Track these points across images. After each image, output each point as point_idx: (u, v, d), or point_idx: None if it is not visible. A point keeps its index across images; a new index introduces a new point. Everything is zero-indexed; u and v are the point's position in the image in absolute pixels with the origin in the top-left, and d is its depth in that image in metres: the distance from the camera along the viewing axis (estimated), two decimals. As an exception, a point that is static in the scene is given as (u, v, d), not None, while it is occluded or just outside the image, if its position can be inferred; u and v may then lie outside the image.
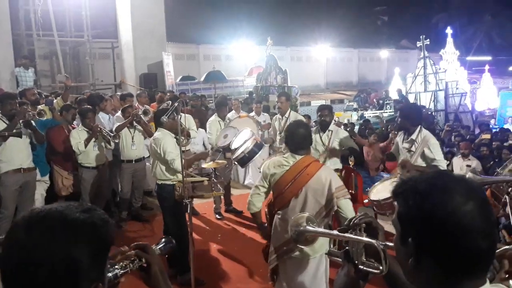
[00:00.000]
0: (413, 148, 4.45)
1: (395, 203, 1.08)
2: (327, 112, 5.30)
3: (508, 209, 3.14)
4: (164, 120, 4.15)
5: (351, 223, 1.35)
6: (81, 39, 14.69)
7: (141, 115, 6.19)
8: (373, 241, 1.28)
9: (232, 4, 28.44)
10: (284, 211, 3.23)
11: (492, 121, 14.48)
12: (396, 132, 5.87)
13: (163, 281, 1.25)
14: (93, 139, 5.67)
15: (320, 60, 28.52)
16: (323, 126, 5.28)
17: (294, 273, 3.23)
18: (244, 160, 4.70)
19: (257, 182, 3.41)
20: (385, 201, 4.29)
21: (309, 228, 1.68)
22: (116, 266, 1.16)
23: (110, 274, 1.12)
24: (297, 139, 3.26)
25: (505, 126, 12.35)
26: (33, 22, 13.40)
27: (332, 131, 5.21)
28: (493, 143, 8.12)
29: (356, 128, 11.46)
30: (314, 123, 8.19)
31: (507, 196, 3.10)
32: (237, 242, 5.62)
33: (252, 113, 8.17)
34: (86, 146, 5.60)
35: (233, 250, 5.31)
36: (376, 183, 5.00)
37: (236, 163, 4.98)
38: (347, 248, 1.33)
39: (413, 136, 4.46)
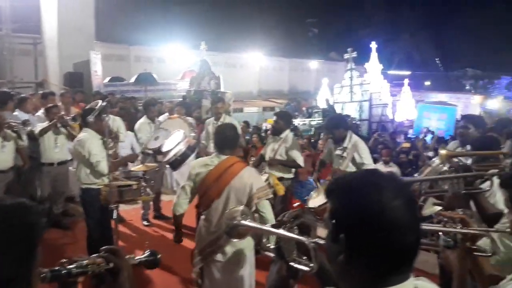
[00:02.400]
0: (344, 154, 4.68)
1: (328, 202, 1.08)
2: (279, 118, 5.29)
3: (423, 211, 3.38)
4: (91, 120, 3.94)
5: (282, 219, 1.35)
6: (-1, 32, 13.62)
7: (69, 120, 5.83)
8: (303, 238, 1.27)
9: (166, 6, 27.93)
10: (207, 212, 3.24)
11: (410, 131, 15.54)
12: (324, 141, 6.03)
13: None
14: (1, 140, 5.21)
15: (254, 67, 28.86)
16: (274, 132, 5.30)
17: (218, 275, 3.21)
18: (176, 163, 4.60)
19: (183, 182, 3.40)
20: (321, 207, 4.43)
21: (243, 222, 1.66)
22: (74, 265, 1.10)
23: (63, 272, 1.07)
24: (222, 139, 3.31)
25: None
26: None
27: (282, 138, 5.13)
28: (412, 151, 8.74)
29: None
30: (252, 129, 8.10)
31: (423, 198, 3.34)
32: (165, 249, 5.42)
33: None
34: None
35: (161, 257, 5.14)
36: (312, 192, 5.12)
37: (167, 166, 4.86)
38: (279, 244, 1.32)
39: (345, 144, 4.70)
